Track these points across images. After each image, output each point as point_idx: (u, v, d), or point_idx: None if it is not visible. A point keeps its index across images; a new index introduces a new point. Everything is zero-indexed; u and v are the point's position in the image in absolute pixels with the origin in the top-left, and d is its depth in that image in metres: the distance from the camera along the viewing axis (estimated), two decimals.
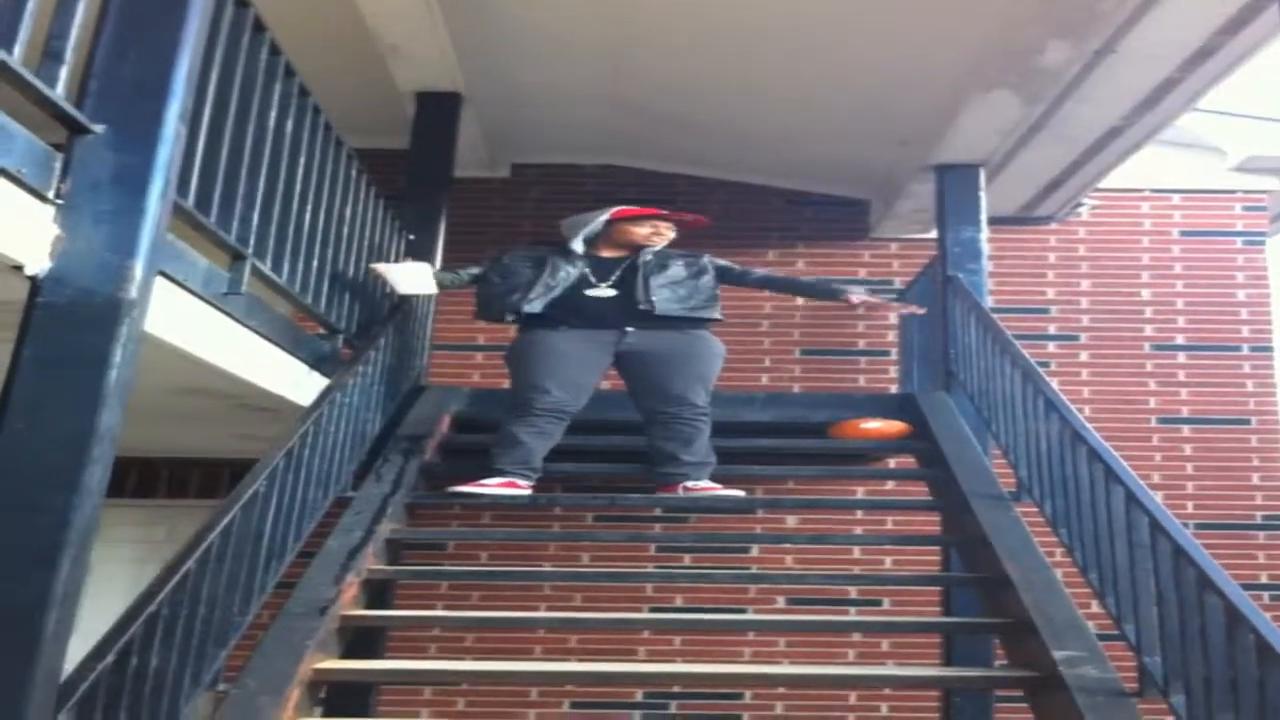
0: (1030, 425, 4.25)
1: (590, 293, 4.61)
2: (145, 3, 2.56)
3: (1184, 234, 7.01)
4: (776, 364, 6.81)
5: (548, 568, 6.27)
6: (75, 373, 2.30)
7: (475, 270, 4.85)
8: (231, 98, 3.30)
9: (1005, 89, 5.07)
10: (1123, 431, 6.39)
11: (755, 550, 6.53)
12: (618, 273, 4.67)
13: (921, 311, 5.33)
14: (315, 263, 4.18)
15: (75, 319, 2.33)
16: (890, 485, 6.44)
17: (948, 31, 4.90)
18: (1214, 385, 6.75)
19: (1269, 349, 6.82)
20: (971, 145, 5.64)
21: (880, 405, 5.55)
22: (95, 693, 2.38)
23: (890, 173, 6.44)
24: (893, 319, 6.82)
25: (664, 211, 4.83)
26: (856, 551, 6.49)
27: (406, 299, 5.07)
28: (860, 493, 6.45)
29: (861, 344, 6.91)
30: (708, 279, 4.73)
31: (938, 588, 5.76)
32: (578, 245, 4.70)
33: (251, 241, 3.54)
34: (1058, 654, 3.26)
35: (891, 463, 6.19)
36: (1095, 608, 3.59)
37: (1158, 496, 3.36)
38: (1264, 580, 6.42)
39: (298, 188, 3.94)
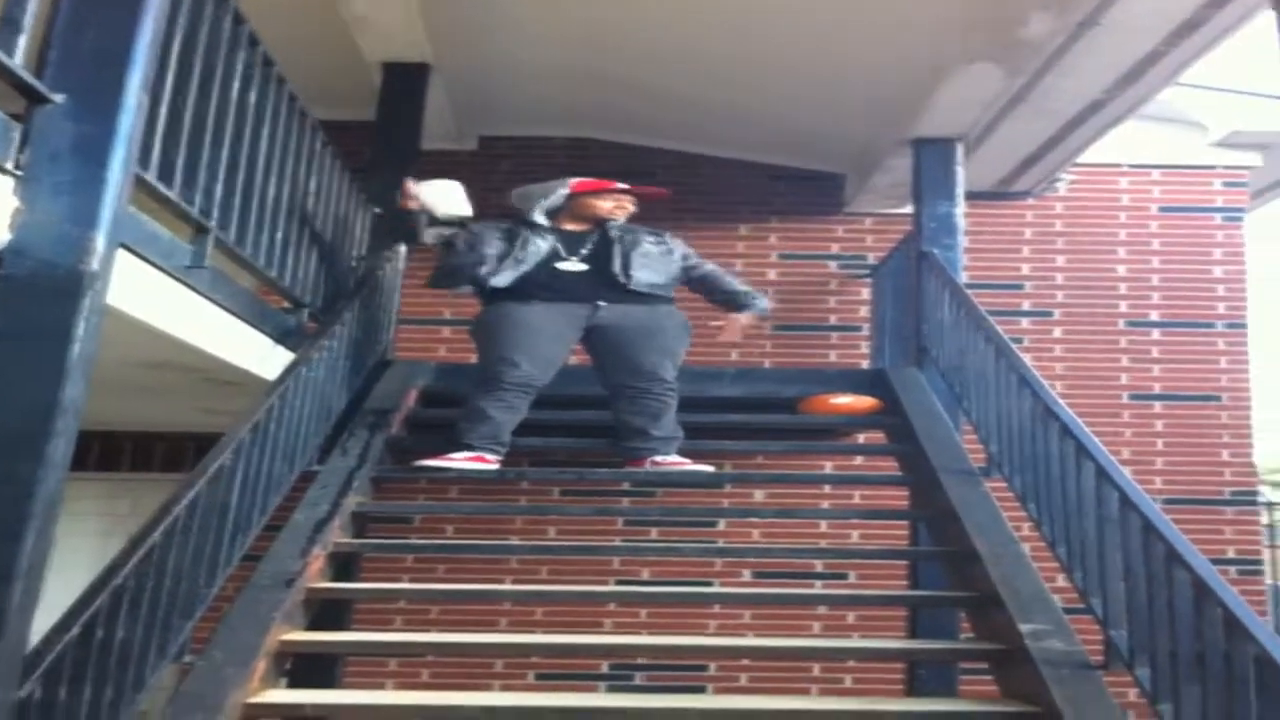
0: (1002, 401, 4.27)
1: (562, 266, 4.57)
2: None
3: (1162, 210, 7.02)
4: (747, 339, 6.76)
5: (514, 541, 6.26)
6: (37, 346, 2.28)
7: (445, 232, 4.78)
8: (194, 67, 3.26)
9: (987, 61, 5.04)
10: (1094, 408, 6.42)
11: (722, 524, 6.56)
12: (589, 246, 4.63)
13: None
14: (279, 236, 4.15)
15: (36, 292, 2.30)
16: (859, 460, 6.46)
17: (930, 1, 4.86)
18: (1187, 362, 6.80)
19: (1243, 325, 6.86)
20: (951, 118, 5.62)
21: (851, 381, 5.55)
22: (61, 665, 2.38)
23: (867, 147, 6.41)
24: (865, 294, 6.83)
25: (624, 185, 4.79)
26: (824, 526, 6.52)
27: (373, 272, 5.03)
28: (829, 468, 6.48)
29: (833, 319, 6.92)
30: (675, 259, 4.74)
31: (904, 562, 5.79)
32: (539, 218, 4.66)
33: (215, 214, 3.50)
34: (1024, 627, 3.29)
35: (861, 438, 6.20)
36: (1062, 582, 3.62)
37: (1127, 472, 3.37)
38: (1231, 555, 6.49)
39: (261, 159, 3.90)
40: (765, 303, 4.89)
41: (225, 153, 3.56)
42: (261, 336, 4.21)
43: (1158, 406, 6.74)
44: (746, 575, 6.45)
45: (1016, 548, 3.76)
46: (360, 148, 5.60)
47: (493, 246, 4.59)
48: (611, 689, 6.15)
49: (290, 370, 3.92)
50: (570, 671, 6.08)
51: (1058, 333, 6.85)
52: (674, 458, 4.55)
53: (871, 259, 6.89)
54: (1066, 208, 7.05)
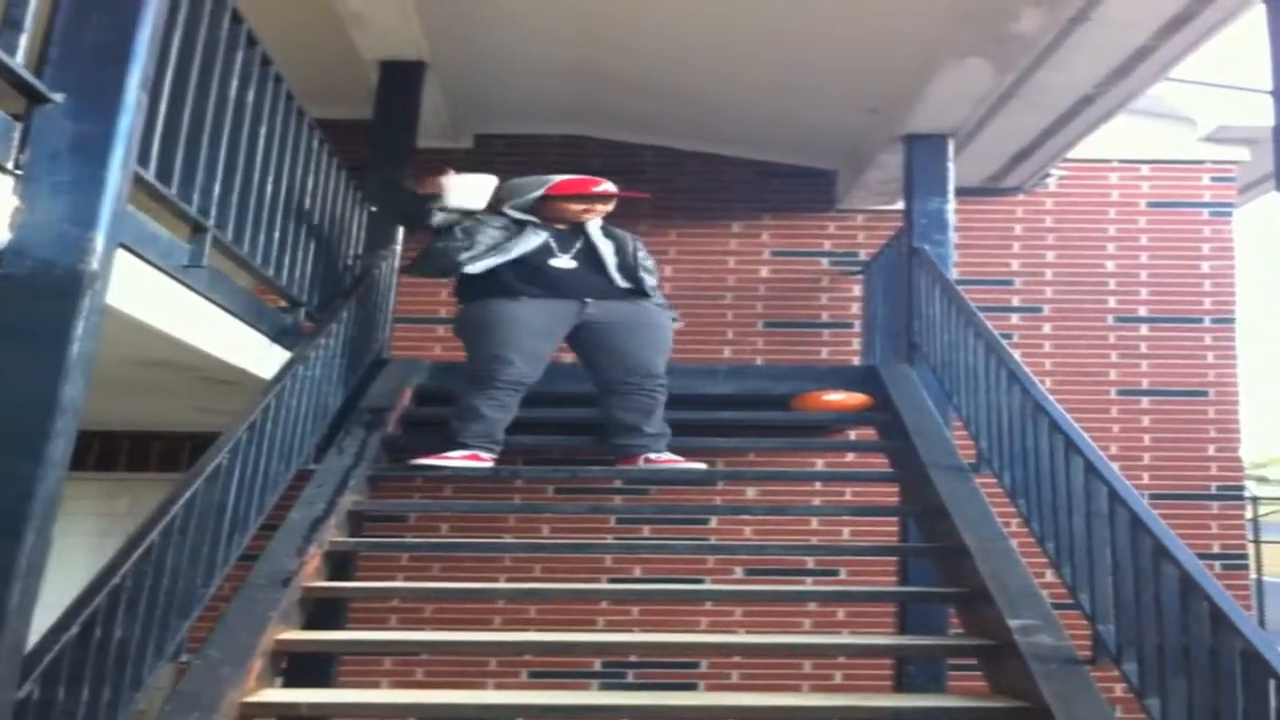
0: (992, 397, 4.29)
1: (554, 263, 4.57)
2: None
3: (1151, 205, 7.05)
4: (740, 336, 6.83)
5: (508, 539, 6.28)
6: (37, 345, 2.28)
7: (451, 218, 4.65)
8: (193, 66, 3.27)
9: (978, 56, 5.04)
10: (1083, 403, 6.45)
11: (714, 521, 6.57)
12: (577, 245, 4.65)
13: None
14: (277, 235, 4.16)
15: (36, 291, 2.30)
16: (850, 457, 6.49)
17: None
18: (1174, 357, 6.83)
19: (1231, 321, 6.89)
20: (942, 114, 5.62)
21: (843, 377, 5.57)
22: (60, 664, 2.39)
23: (859, 143, 6.44)
24: (856, 291, 6.85)
25: (606, 190, 4.75)
26: (815, 522, 6.54)
27: (369, 271, 5.05)
28: (820, 464, 6.50)
29: (825, 316, 6.94)
30: (641, 258, 4.73)
31: (894, 558, 5.82)
32: (514, 215, 4.66)
33: (213, 213, 3.52)
34: (1013, 622, 3.32)
35: (852, 435, 6.23)
36: (1050, 577, 3.65)
37: (1115, 467, 3.40)
38: (1216, 550, 6.53)
39: (259, 159, 3.92)
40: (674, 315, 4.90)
41: (223, 152, 3.57)
42: (258, 335, 4.22)
43: (1145, 402, 6.78)
44: (738, 572, 6.47)
45: (1006, 543, 3.78)
46: (356, 146, 5.59)
47: (488, 237, 4.58)
48: (604, 687, 6.17)
49: (287, 369, 3.93)
50: (563, 670, 6.09)
51: (1047, 328, 6.87)
52: (667, 455, 4.57)
53: (863, 255, 6.91)
54: (1056, 203, 7.07)
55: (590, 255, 4.63)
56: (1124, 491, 3.22)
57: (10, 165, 2.33)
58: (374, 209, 5.39)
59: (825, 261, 7.01)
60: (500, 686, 6.13)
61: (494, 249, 4.54)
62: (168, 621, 2.91)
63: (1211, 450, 6.72)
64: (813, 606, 6.43)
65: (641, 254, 4.75)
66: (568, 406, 4.96)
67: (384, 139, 5.69)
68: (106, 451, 6.49)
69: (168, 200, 3.19)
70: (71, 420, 2.31)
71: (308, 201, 4.52)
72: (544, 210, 4.67)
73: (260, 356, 4.24)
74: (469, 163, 6.67)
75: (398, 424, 4.86)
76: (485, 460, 4.45)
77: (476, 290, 4.55)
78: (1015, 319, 6.84)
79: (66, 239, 2.34)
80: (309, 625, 3.67)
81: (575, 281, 4.57)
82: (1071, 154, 6.55)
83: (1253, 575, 7.37)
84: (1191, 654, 2.78)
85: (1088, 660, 3.19)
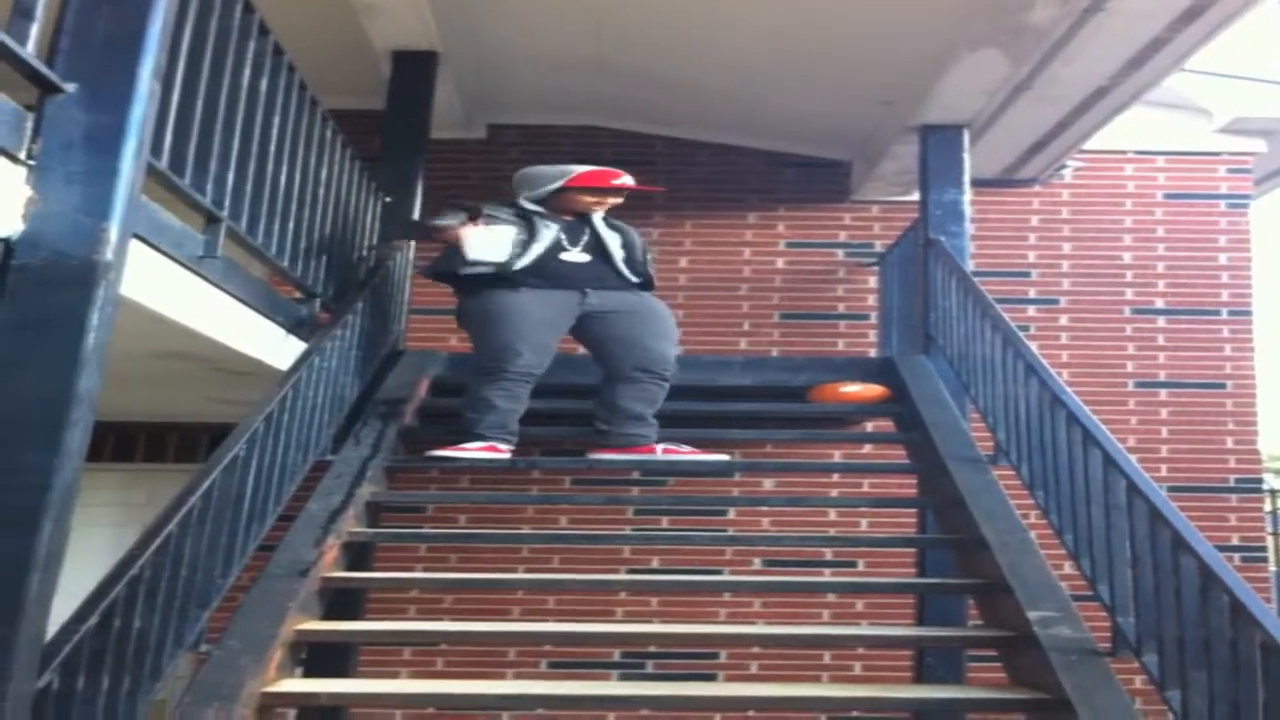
0: (1009, 389, 4.27)
1: (565, 256, 4.55)
2: None
3: (1167, 196, 7.01)
4: (756, 327, 6.81)
5: (526, 530, 6.28)
6: (52, 335, 2.27)
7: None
8: (205, 56, 3.26)
9: (992, 47, 5.02)
10: (1100, 395, 6.42)
11: (732, 513, 6.58)
12: (585, 237, 4.63)
13: None
14: (291, 225, 4.15)
15: (50, 282, 2.29)
16: (868, 448, 6.47)
17: None
18: (1192, 349, 6.79)
19: (1248, 313, 6.85)
20: (956, 105, 5.61)
21: (859, 369, 5.56)
22: (79, 654, 2.40)
23: (873, 134, 6.41)
24: (872, 282, 6.83)
25: (623, 184, 4.70)
26: (832, 514, 6.53)
27: (383, 262, 5.04)
28: (837, 456, 6.49)
29: (841, 307, 6.92)
30: (639, 251, 4.73)
31: (912, 549, 5.80)
32: (529, 205, 4.63)
33: (226, 204, 3.51)
34: (1032, 614, 3.30)
35: (869, 426, 6.21)
36: (1069, 569, 3.63)
37: (1133, 459, 3.38)
38: (1235, 542, 6.50)
39: (272, 149, 3.90)
40: None
41: (236, 142, 3.56)
42: (274, 326, 4.21)
43: (1163, 394, 6.74)
44: (756, 563, 6.46)
45: (1024, 535, 3.77)
46: (369, 137, 5.61)
47: (513, 235, 4.51)
48: (623, 677, 6.16)
49: (303, 360, 3.93)
50: (582, 660, 6.10)
51: (1064, 320, 6.84)
52: (684, 447, 4.57)
53: (879, 247, 6.89)
54: (1073, 195, 7.03)
55: (598, 247, 4.62)
56: (1142, 483, 3.20)
57: (23, 156, 2.32)
58: (388, 199, 5.38)
59: (841, 253, 6.99)
60: (520, 676, 6.14)
61: (529, 244, 4.49)
62: (186, 611, 2.92)
63: (1230, 443, 6.68)
64: (831, 598, 6.42)
65: (643, 241, 4.76)
66: (584, 398, 4.94)
67: (397, 129, 5.68)
68: (123, 442, 6.50)
69: (181, 191, 3.19)
70: (87, 411, 2.30)
71: (321, 192, 4.51)
72: (554, 201, 4.65)
73: (275, 348, 4.24)
74: (483, 152, 6.69)
75: (414, 415, 4.86)
76: (503, 451, 4.45)
77: (475, 280, 4.52)
78: (1032, 310, 6.81)
79: (80, 229, 2.32)
80: (328, 615, 3.67)
81: (581, 272, 4.56)
82: (1087, 145, 6.50)
83: (1272, 567, 7.32)
84: (1211, 646, 2.76)
85: (1107, 652, 3.17)
